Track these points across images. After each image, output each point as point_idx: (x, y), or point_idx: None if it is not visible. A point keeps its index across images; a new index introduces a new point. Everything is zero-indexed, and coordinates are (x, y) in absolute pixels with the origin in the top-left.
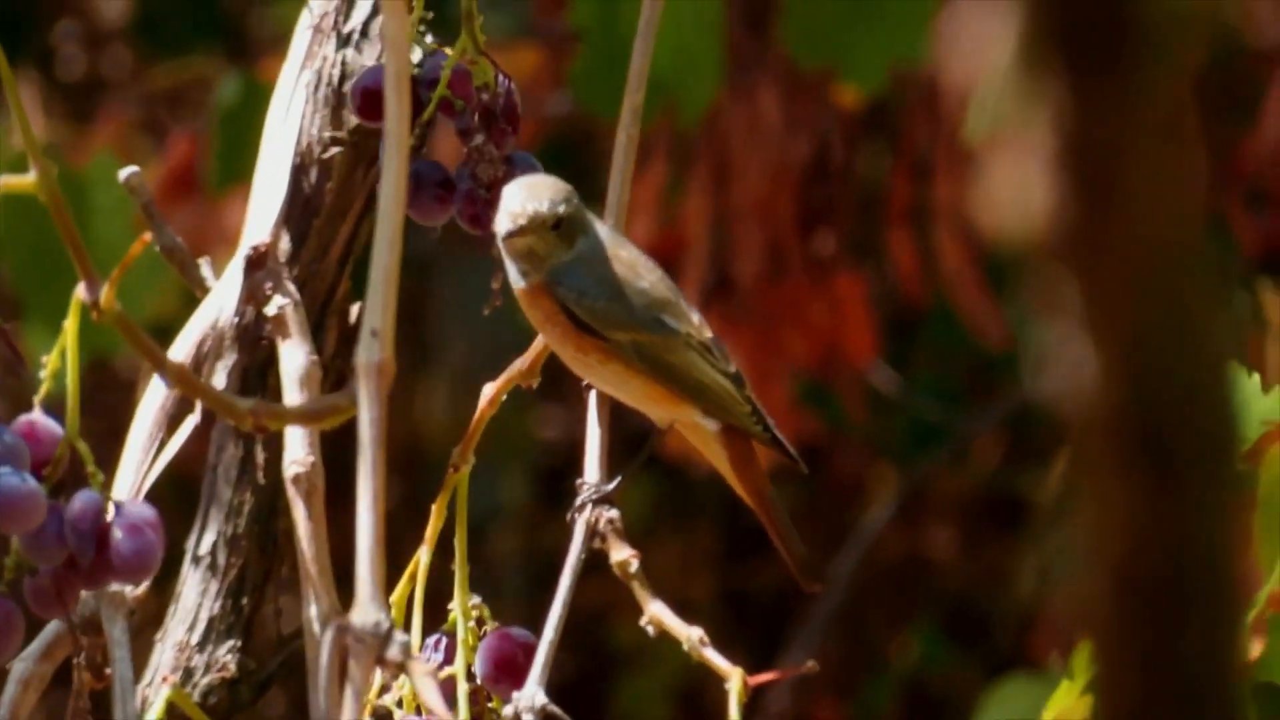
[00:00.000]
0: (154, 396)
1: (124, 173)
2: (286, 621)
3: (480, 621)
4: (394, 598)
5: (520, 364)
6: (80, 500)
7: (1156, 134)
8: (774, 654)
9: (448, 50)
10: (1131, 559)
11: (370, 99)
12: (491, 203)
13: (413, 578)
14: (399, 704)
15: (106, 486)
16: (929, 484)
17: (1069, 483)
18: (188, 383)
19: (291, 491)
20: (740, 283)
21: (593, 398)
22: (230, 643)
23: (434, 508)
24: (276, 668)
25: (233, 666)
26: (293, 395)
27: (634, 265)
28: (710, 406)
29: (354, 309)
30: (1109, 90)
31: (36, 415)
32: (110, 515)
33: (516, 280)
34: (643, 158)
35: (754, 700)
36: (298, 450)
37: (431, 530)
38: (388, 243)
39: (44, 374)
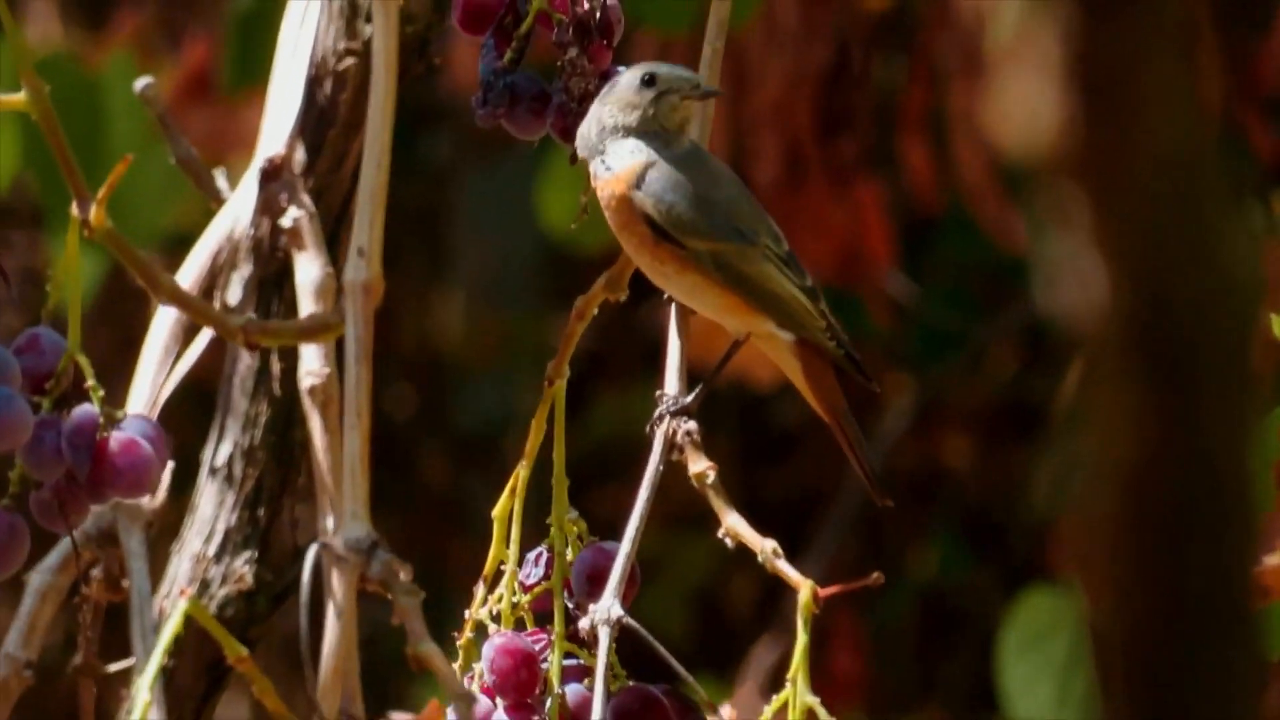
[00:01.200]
0: (169, 309)
1: (139, 83)
2: (303, 533)
3: (580, 537)
4: (495, 512)
5: (607, 276)
6: (76, 415)
7: (1167, 45)
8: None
9: None
10: (1141, 471)
11: (471, 11)
12: (579, 115)
13: (513, 492)
14: (496, 618)
15: (120, 398)
16: (945, 392)
17: (1081, 394)
18: (180, 299)
19: (307, 403)
20: (759, 189)
21: (673, 310)
22: (247, 554)
23: (533, 423)
24: (293, 579)
25: (249, 578)
26: (307, 307)
27: (715, 175)
28: (785, 319)
29: None
30: (1119, 3)
31: (41, 329)
32: (110, 429)
33: (600, 172)
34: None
35: (768, 607)
36: (313, 361)
37: (531, 444)
38: (375, 162)
39: (48, 287)
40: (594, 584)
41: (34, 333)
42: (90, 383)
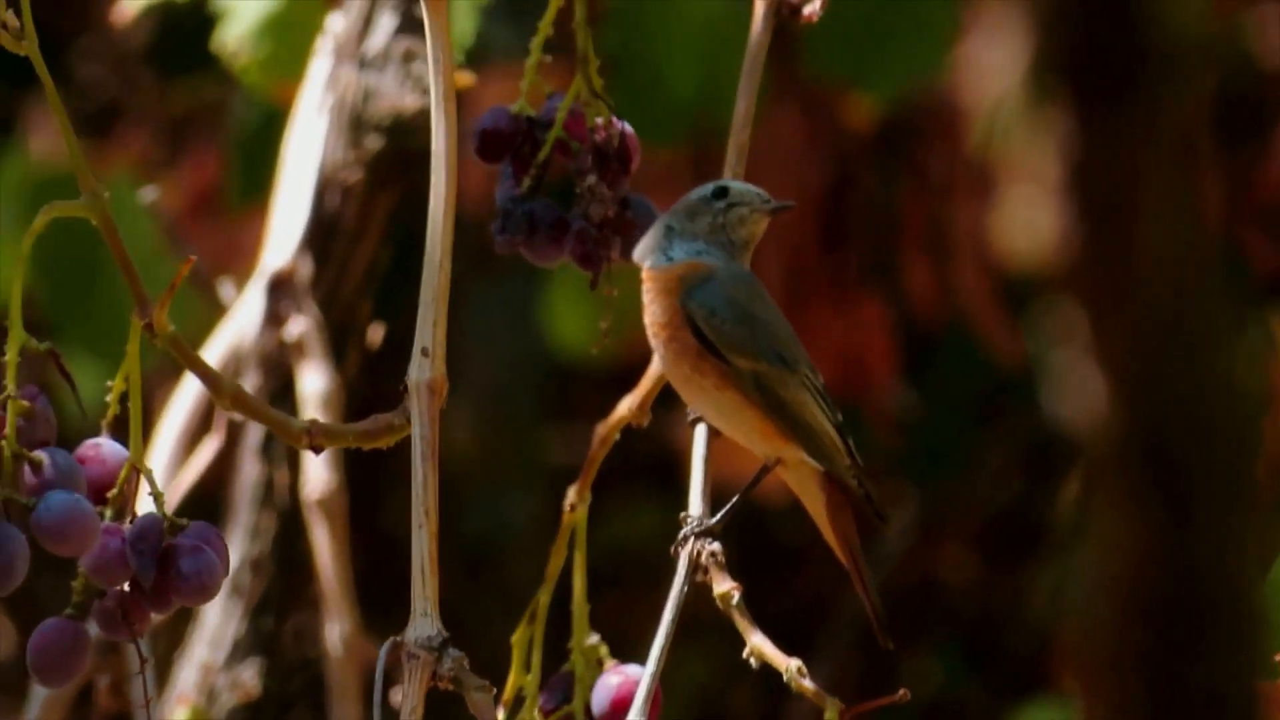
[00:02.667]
0: (175, 417)
1: (146, 192)
2: (308, 643)
3: (600, 661)
4: (515, 638)
5: (630, 401)
6: (141, 521)
7: (1166, 159)
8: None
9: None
10: (1141, 586)
11: (489, 140)
12: (601, 242)
13: (532, 618)
14: None
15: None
16: (946, 505)
17: (1081, 508)
18: (243, 403)
19: (313, 513)
20: None
21: (699, 430)
22: (254, 663)
23: (554, 547)
24: (299, 688)
25: (256, 687)
26: (313, 416)
27: (761, 296)
28: (815, 450)
29: (375, 332)
30: (1117, 117)
31: (102, 439)
32: (175, 535)
33: (656, 260)
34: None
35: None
36: (319, 471)
37: (552, 568)
38: (437, 262)
39: (109, 398)
40: (616, 709)
41: (94, 441)
42: (155, 490)
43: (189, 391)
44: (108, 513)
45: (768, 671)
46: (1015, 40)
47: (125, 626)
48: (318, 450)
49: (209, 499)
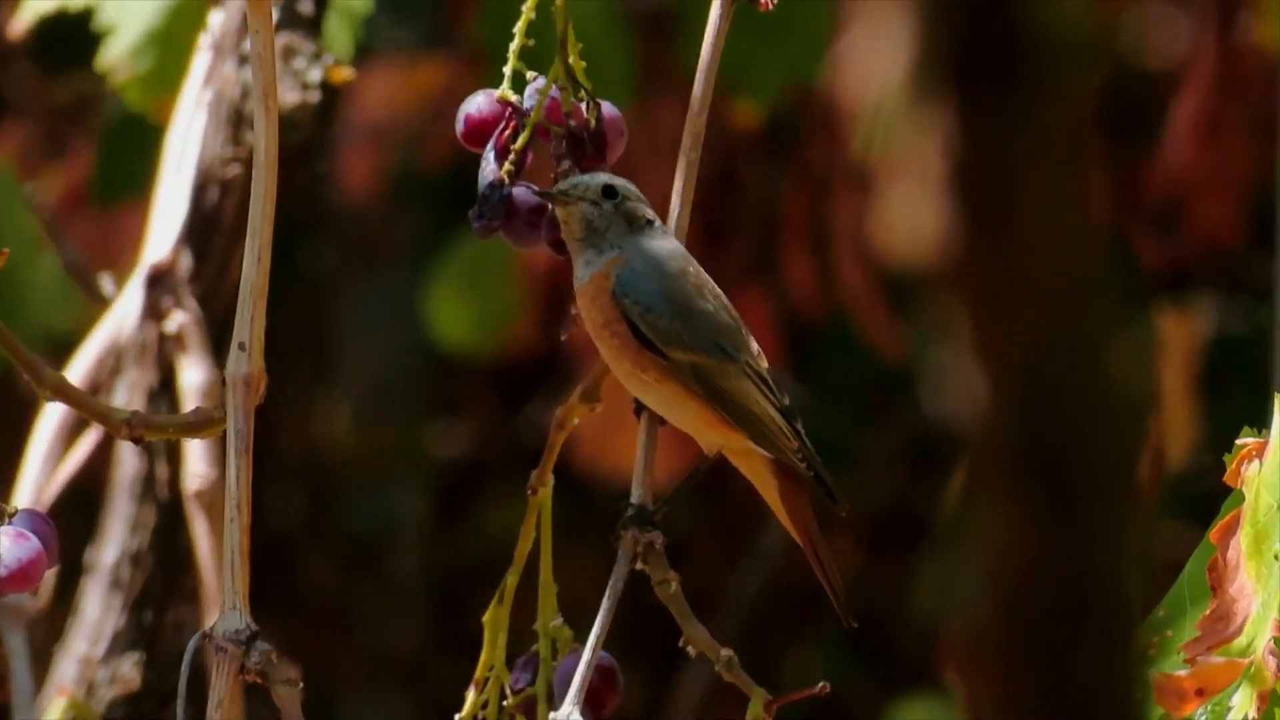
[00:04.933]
0: (53, 412)
1: (27, 187)
2: (188, 635)
3: (565, 643)
4: (486, 619)
5: (583, 387)
6: None
7: (1050, 156)
8: (674, 669)
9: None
10: (1023, 582)
11: (474, 126)
12: None
13: (503, 600)
14: None
15: (3, 499)
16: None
17: (964, 504)
18: (65, 393)
19: (192, 506)
20: None
21: (643, 421)
22: (134, 656)
23: (521, 531)
24: (179, 681)
25: (136, 680)
26: (192, 410)
27: (700, 287)
28: (760, 437)
29: None
30: (1000, 113)
31: None
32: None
33: (581, 274)
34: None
35: (657, 709)
36: (199, 465)
37: (519, 552)
38: (256, 258)
39: None
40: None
41: None
42: None
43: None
44: None
45: (653, 660)
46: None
47: None
48: (138, 441)
49: (89, 492)
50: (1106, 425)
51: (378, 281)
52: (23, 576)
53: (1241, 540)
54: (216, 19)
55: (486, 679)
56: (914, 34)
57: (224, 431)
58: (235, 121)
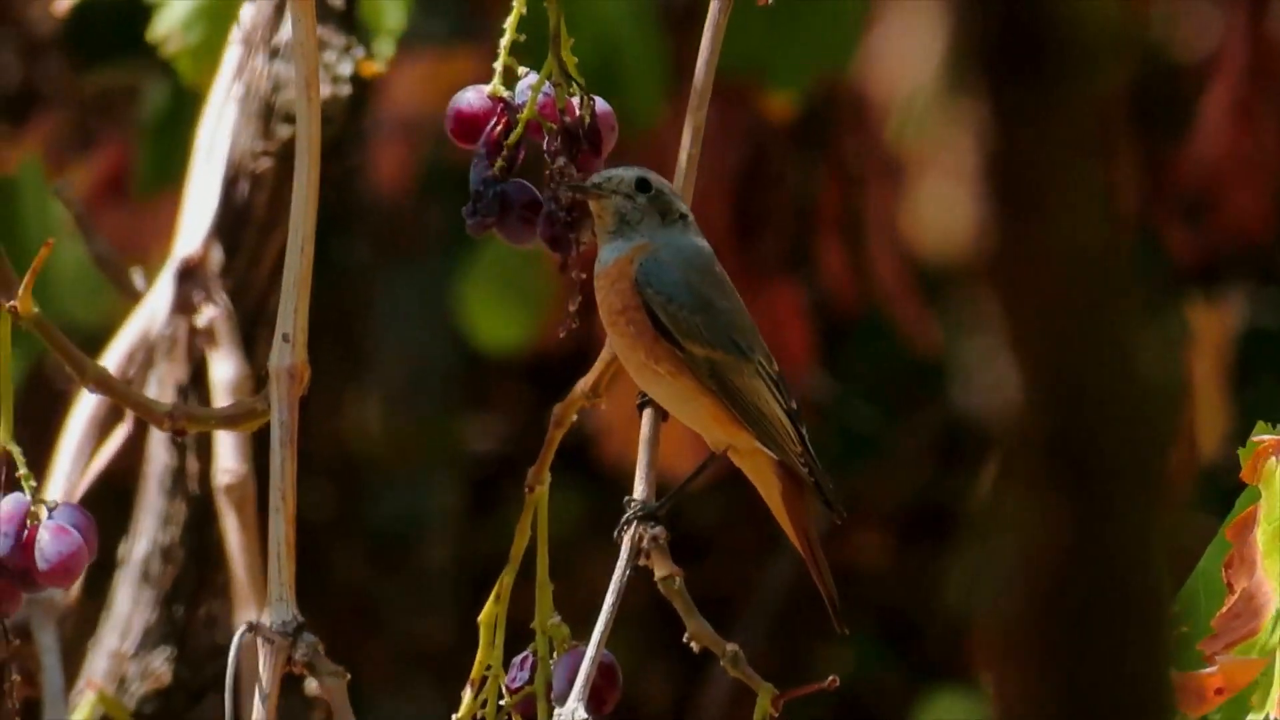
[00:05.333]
0: (85, 405)
1: (60, 181)
2: (220, 630)
3: (563, 640)
4: (481, 618)
5: (584, 383)
6: (7, 503)
7: (1080, 148)
8: (705, 663)
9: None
10: (1053, 575)
11: (464, 121)
12: (568, 225)
13: (499, 598)
14: None
15: (37, 494)
16: (862, 493)
17: (994, 495)
18: (106, 385)
19: (222, 500)
20: None
21: (645, 416)
22: (165, 651)
23: (518, 528)
24: (211, 676)
25: (167, 675)
26: (223, 404)
27: (721, 285)
28: (767, 438)
29: None
30: (1031, 106)
31: None
32: (41, 518)
33: (605, 258)
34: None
35: (686, 704)
36: (229, 459)
37: (515, 549)
38: (299, 249)
39: None
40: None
41: None
42: (22, 471)
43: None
44: None
45: (682, 659)
46: (930, 29)
47: None
48: (180, 433)
49: (120, 487)
50: (1136, 417)
51: (409, 275)
52: (63, 570)
53: (1259, 537)
54: (247, 12)
55: (484, 678)
56: (946, 26)
57: (262, 425)
58: (265, 115)
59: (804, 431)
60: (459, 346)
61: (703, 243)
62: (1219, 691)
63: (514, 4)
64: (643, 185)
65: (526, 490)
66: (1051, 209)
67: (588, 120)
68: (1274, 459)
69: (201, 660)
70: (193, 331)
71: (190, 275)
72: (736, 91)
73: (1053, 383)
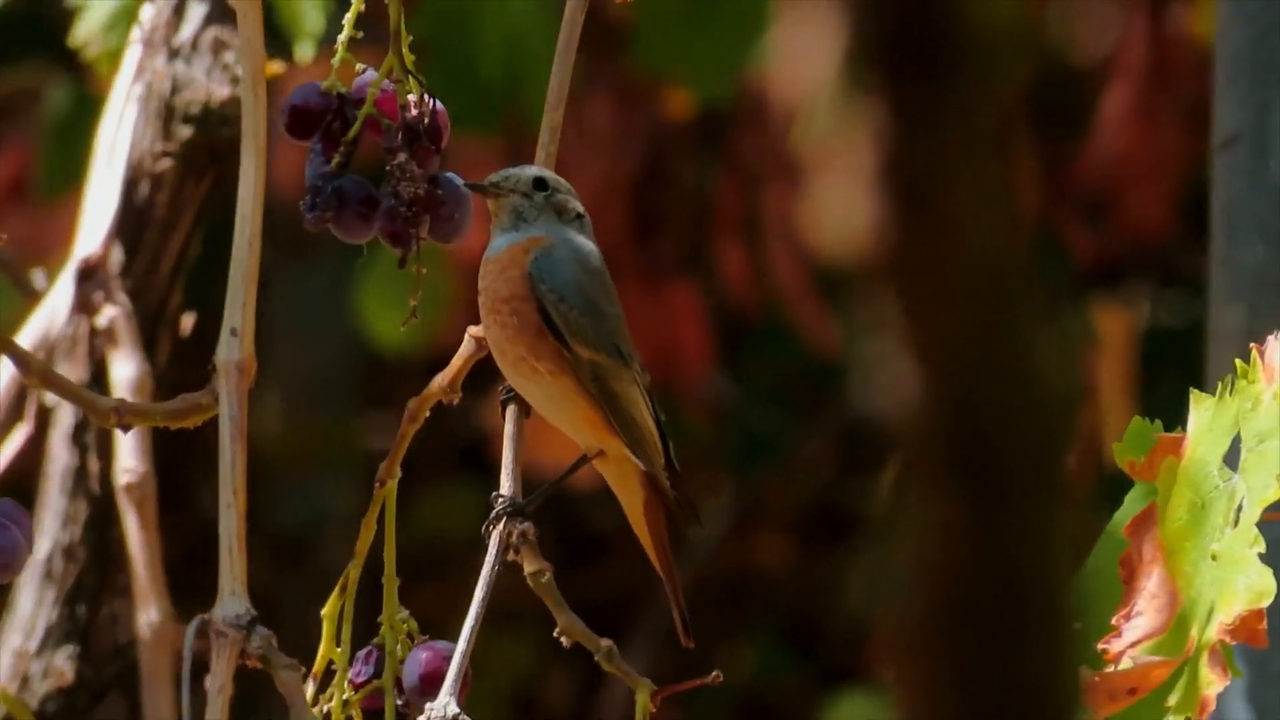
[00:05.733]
0: None
1: None
2: (122, 629)
3: (410, 635)
4: (325, 611)
5: (441, 379)
6: None
7: (978, 149)
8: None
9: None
10: (954, 576)
11: (299, 116)
12: (412, 220)
13: (343, 590)
14: (326, 717)
15: None
16: (762, 495)
17: (894, 497)
18: (53, 382)
19: (123, 500)
20: None
21: (509, 413)
22: (68, 650)
23: (364, 521)
24: (113, 675)
25: (70, 674)
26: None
27: (609, 290)
28: (638, 446)
29: (185, 320)
30: (929, 106)
31: None
32: None
33: (498, 244)
34: (480, 163)
35: (588, 708)
36: (129, 459)
37: (361, 543)
38: (247, 244)
39: None
40: (426, 683)
41: None
42: None
43: (2, 379)
44: None
45: (584, 659)
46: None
47: None
48: (126, 429)
49: (20, 486)
50: (1036, 418)
51: (309, 275)
52: (3, 566)
53: (1162, 535)
54: (147, 12)
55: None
56: (843, 25)
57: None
58: (166, 116)
59: (670, 445)
60: (359, 347)
61: (595, 246)
62: (1132, 691)
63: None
64: (540, 184)
65: (377, 484)
66: (950, 209)
67: (427, 117)
68: (1171, 457)
69: (104, 659)
70: (93, 331)
71: (90, 275)
72: (632, 89)
73: (951, 384)
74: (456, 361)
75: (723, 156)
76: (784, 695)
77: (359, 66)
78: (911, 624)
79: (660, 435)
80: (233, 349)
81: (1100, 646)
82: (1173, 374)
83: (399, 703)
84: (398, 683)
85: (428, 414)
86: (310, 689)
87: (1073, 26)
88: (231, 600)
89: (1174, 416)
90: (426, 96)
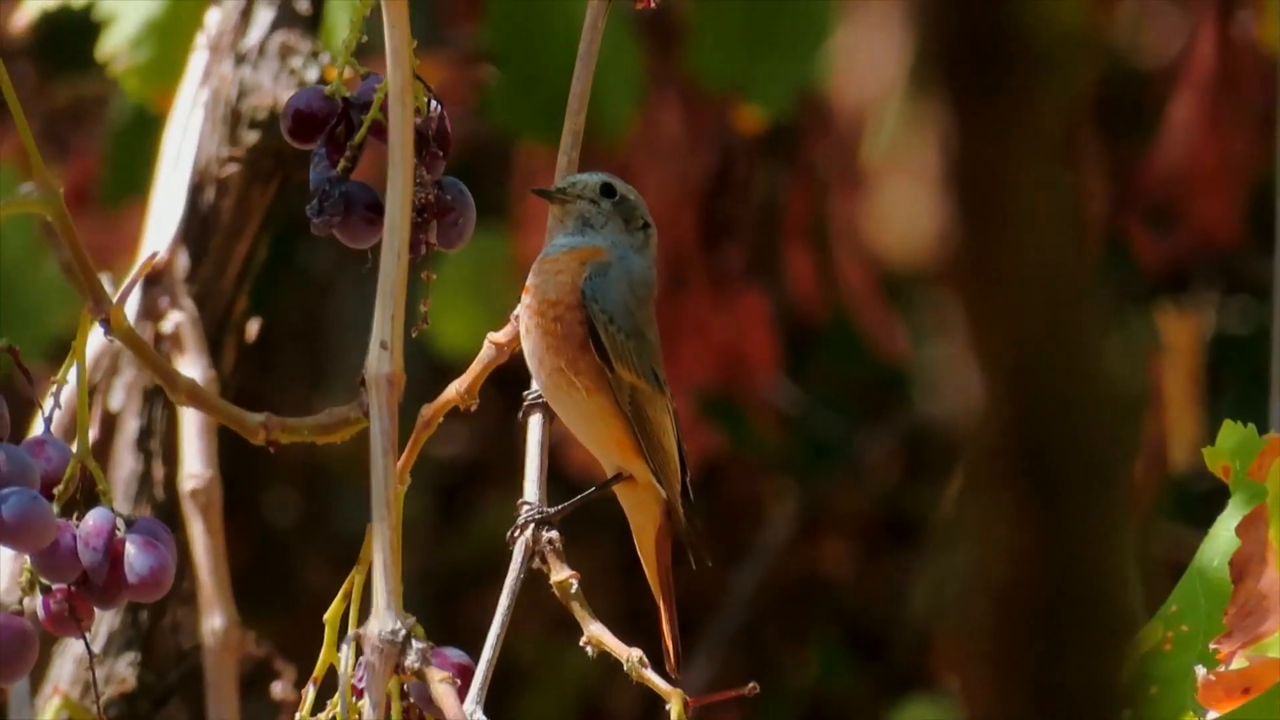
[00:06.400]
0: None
1: (24, 188)
2: (184, 636)
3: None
4: (327, 616)
5: (458, 385)
6: (94, 517)
7: (1044, 154)
8: (677, 671)
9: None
10: (1017, 583)
11: (302, 120)
12: (421, 226)
13: (347, 596)
14: None
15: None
16: (828, 501)
17: (959, 504)
18: (198, 397)
19: (188, 506)
20: None
21: (533, 422)
22: (130, 656)
23: (368, 528)
24: (176, 681)
25: (132, 680)
26: (190, 411)
27: (651, 317)
28: (662, 474)
29: (251, 326)
30: (994, 112)
31: (46, 434)
32: (121, 532)
33: (561, 242)
34: (546, 170)
35: (652, 714)
36: (195, 465)
37: (365, 550)
38: (394, 254)
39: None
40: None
41: (39, 438)
42: (102, 486)
43: (69, 386)
44: (55, 509)
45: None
46: (895, 35)
47: (73, 623)
48: (274, 445)
49: (87, 493)
50: (1100, 424)
51: (369, 281)
52: (154, 583)
53: (1272, 535)
54: (213, 17)
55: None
56: (909, 32)
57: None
58: (232, 121)
59: (687, 475)
60: (422, 353)
61: (651, 268)
62: (1246, 690)
63: (355, 5)
64: (608, 190)
65: None
66: (1016, 215)
67: (435, 123)
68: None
69: (166, 665)
70: (159, 337)
71: (156, 281)
72: (705, 99)
73: (1017, 390)
74: (475, 367)
75: (791, 163)
76: (848, 701)
77: (362, 71)
78: (975, 630)
79: (682, 464)
80: (383, 362)
81: (1211, 646)
82: (1239, 381)
83: (405, 705)
84: (403, 691)
85: (440, 420)
86: (311, 693)
87: (1139, 31)
88: (387, 614)
89: (1242, 422)
90: (432, 103)
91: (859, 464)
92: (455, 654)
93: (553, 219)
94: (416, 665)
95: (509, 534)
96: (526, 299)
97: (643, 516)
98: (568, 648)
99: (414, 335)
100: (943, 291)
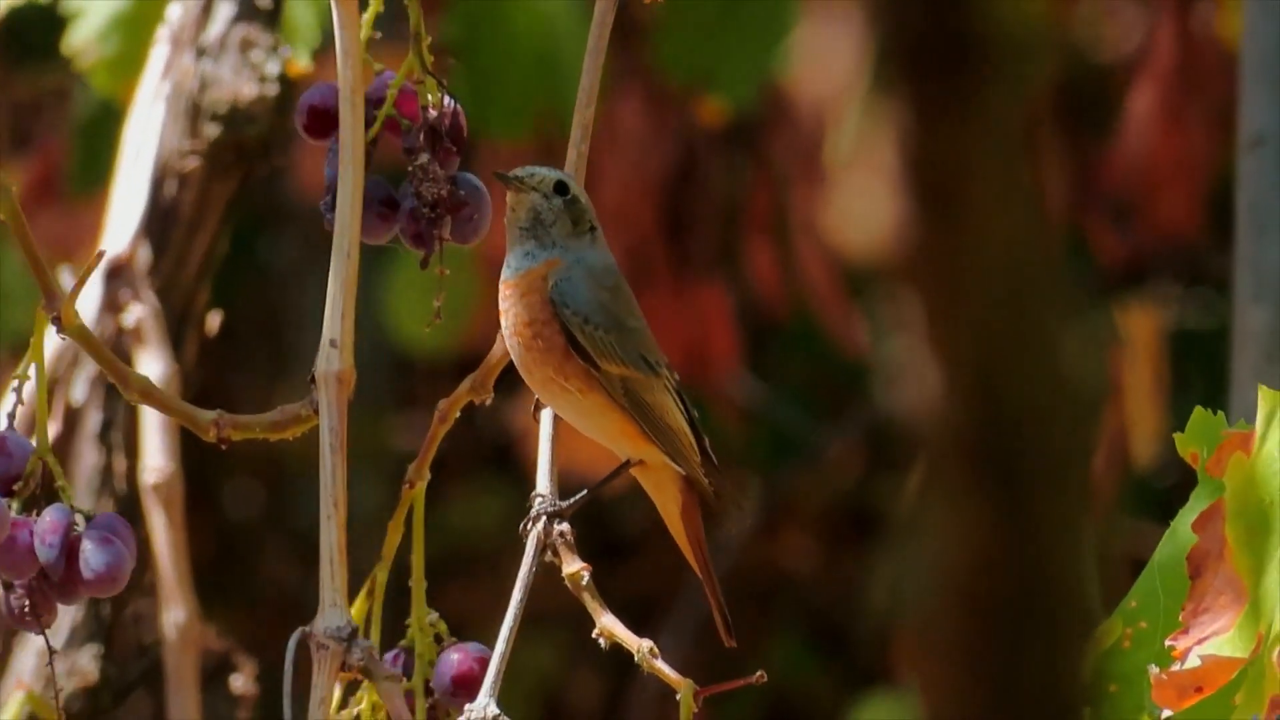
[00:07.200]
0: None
1: None
2: (146, 628)
3: (439, 637)
4: (353, 611)
5: (473, 379)
6: (50, 514)
7: (1004, 149)
8: (634, 664)
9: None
10: (977, 577)
11: (316, 116)
12: (434, 221)
13: (371, 593)
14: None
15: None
16: (789, 494)
17: (919, 497)
18: (150, 395)
19: (150, 499)
20: None
21: (544, 417)
22: (92, 649)
23: (390, 524)
24: (138, 674)
25: (94, 673)
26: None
27: (628, 302)
28: (674, 451)
29: (212, 319)
30: (954, 107)
31: (6, 431)
32: (79, 528)
33: (517, 265)
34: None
35: (615, 710)
36: (156, 458)
37: (388, 546)
38: (345, 253)
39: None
40: (458, 684)
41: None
42: (60, 482)
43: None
44: (13, 505)
45: (610, 661)
46: (856, 30)
47: (33, 619)
48: (225, 442)
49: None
50: (1061, 419)
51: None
52: (110, 579)
53: (1228, 531)
54: (175, 11)
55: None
56: (869, 27)
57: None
58: (193, 114)
59: (705, 441)
60: (386, 346)
61: (609, 258)
62: (1198, 689)
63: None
64: (561, 188)
65: (406, 485)
66: (976, 209)
67: (449, 118)
68: (1239, 453)
69: (129, 658)
70: (120, 330)
71: (117, 274)
72: (667, 92)
73: (977, 384)
74: (488, 362)
75: (752, 158)
76: (810, 696)
77: (376, 67)
78: (936, 624)
79: (695, 433)
80: (332, 360)
81: (1167, 643)
82: (1200, 374)
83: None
84: (426, 685)
85: (456, 415)
86: (337, 690)
87: (1100, 25)
88: (333, 612)
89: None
90: (446, 98)
91: (820, 457)
92: (474, 648)
93: (508, 218)
94: (361, 662)
95: (521, 527)
96: (504, 323)
97: (664, 496)
98: (527, 641)
99: (427, 329)
100: (903, 286)
